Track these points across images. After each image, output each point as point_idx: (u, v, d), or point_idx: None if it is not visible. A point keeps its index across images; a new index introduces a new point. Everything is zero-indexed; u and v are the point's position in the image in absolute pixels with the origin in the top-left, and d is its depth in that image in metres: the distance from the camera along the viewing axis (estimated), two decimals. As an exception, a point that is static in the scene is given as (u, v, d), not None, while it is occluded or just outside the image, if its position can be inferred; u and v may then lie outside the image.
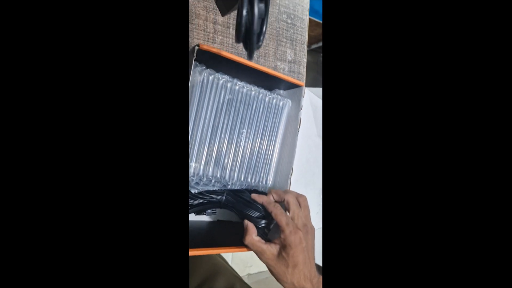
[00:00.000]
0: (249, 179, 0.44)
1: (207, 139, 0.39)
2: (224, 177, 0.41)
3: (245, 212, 0.38)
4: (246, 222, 0.37)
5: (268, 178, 0.46)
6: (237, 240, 0.38)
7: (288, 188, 0.45)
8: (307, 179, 0.48)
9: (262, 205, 0.38)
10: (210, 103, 0.39)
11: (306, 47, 0.60)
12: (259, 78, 0.43)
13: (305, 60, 0.60)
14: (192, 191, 0.39)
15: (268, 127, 0.45)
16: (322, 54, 1.61)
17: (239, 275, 0.66)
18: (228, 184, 0.42)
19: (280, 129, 0.46)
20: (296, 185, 0.47)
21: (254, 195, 0.39)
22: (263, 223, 0.37)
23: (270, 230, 0.38)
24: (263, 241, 0.36)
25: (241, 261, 1.06)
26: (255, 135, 0.44)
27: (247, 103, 0.42)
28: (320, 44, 1.45)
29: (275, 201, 0.39)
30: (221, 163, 0.41)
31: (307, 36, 0.60)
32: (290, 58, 0.57)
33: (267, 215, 0.38)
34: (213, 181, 0.41)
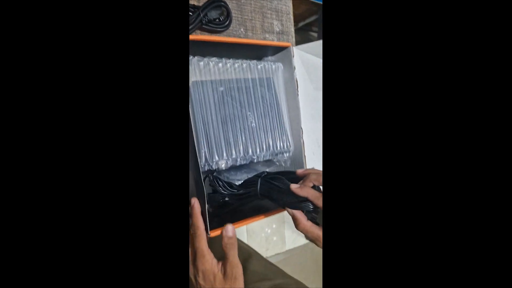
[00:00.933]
0: (271, 148, 0.44)
1: (220, 132, 0.40)
2: (248, 152, 0.41)
3: (286, 200, 0.35)
4: (291, 211, 0.35)
5: (290, 141, 0.47)
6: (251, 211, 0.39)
7: (302, 146, 0.46)
8: (316, 135, 0.50)
9: (309, 199, 0.34)
10: (211, 99, 0.39)
11: (292, 17, 0.60)
12: (246, 52, 0.44)
13: (293, 30, 0.60)
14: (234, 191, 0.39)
15: (269, 99, 0.45)
16: (311, 32, 1.60)
17: (254, 249, 0.67)
18: (254, 158, 0.42)
19: (281, 95, 0.47)
20: (308, 141, 0.48)
21: (294, 188, 0.35)
22: (311, 206, 0.34)
23: (319, 213, 0.36)
24: (315, 226, 0.34)
25: (257, 244, 1.07)
26: (262, 111, 0.44)
27: (243, 87, 0.42)
28: (307, 21, 1.44)
29: (315, 186, 0.35)
30: (240, 142, 0.41)
31: (291, 6, 0.60)
32: (277, 29, 0.58)
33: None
34: (238, 160, 0.41)
